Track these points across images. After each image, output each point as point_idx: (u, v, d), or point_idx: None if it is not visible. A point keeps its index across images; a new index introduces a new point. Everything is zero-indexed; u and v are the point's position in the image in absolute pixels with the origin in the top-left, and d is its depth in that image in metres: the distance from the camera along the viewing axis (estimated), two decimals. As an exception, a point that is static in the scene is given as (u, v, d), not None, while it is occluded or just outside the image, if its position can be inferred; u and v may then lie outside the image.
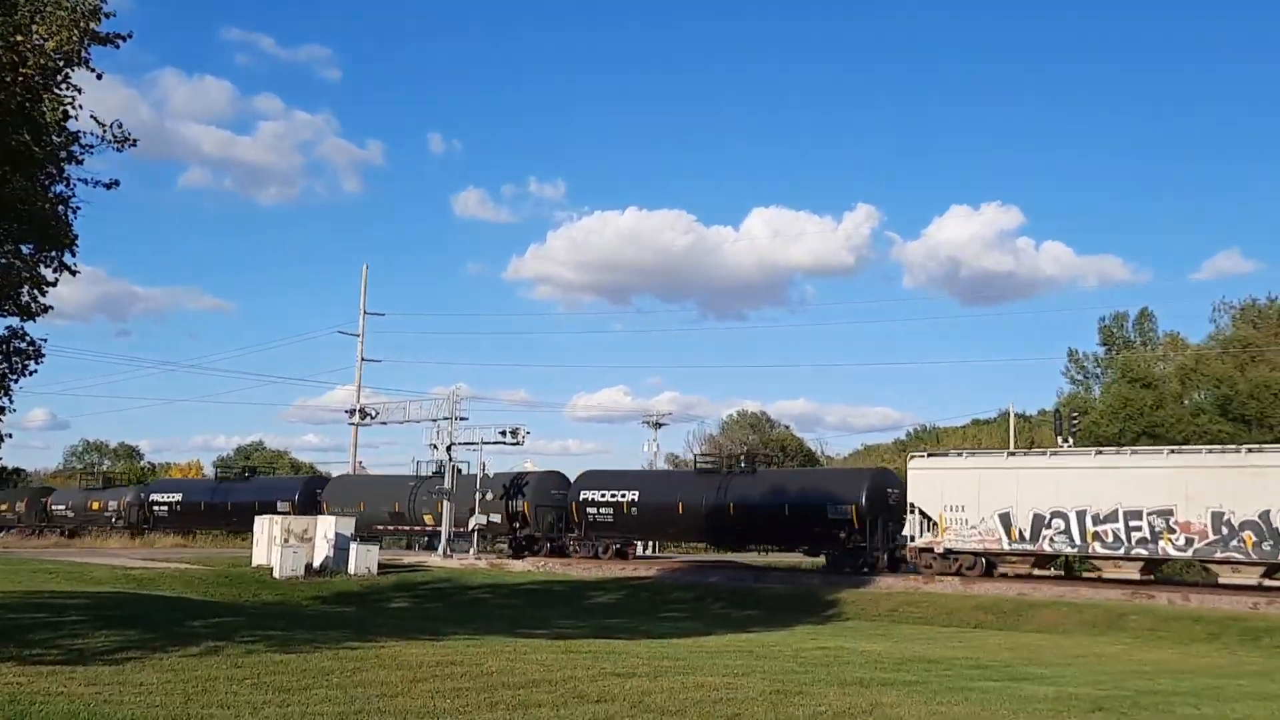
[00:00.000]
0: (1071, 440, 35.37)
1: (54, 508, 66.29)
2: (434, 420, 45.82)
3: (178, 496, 59.69)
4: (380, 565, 38.21)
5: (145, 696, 10.76)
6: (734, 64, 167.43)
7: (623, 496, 41.86)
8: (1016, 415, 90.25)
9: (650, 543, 52.02)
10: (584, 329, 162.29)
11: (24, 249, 13.43)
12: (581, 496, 43.13)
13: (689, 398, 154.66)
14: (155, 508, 59.12)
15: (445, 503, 44.05)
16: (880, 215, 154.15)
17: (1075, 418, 36.94)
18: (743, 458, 41.86)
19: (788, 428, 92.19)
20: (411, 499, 48.23)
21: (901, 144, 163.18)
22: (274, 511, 49.05)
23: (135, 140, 13.48)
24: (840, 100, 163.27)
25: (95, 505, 63.11)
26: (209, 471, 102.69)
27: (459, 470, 45.48)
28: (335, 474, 64.50)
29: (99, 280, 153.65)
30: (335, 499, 50.68)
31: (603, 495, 42.53)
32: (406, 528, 49.43)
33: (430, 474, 48.17)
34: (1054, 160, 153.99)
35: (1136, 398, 48.35)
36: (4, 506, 69.27)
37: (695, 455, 58.64)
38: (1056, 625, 27.35)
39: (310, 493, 53.50)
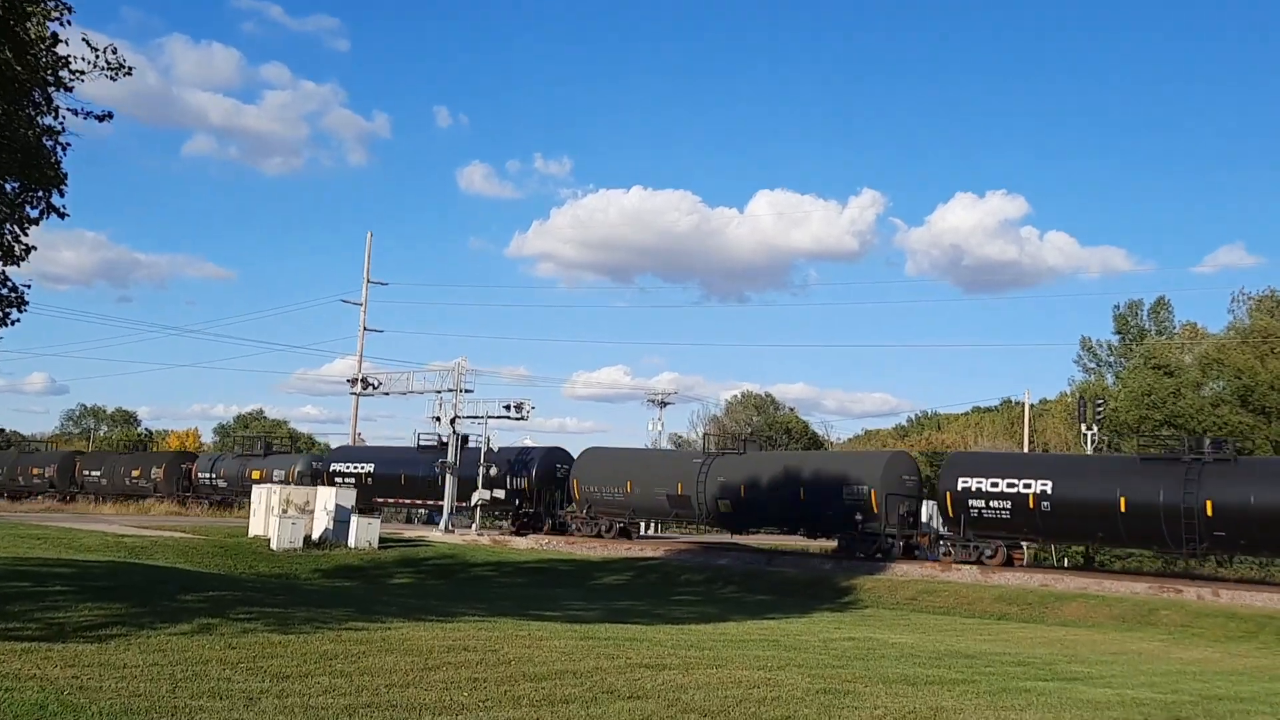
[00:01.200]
0: (1096, 428, 34.22)
1: (200, 476, 59.82)
2: (438, 392, 44.74)
3: (368, 467, 50.60)
4: (381, 539, 37.12)
5: (128, 682, 9.59)
6: (744, 46, 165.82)
7: (1026, 487, 33.32)
8: (1017, 404, 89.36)
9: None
10: (585, 307, 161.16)
11: (7, 185, 12.24)
12: (960, 485, 34.30)
13: (688, 378, 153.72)
14: (337, 479, 49.37)
15: (449, 476, 42.95)
16: (885, 201, 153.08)
17: (1100, 404, 35.71)
18: (1209, 440, 32.87)
19: (792, 410, 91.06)
20: (701, 479, 38.66)
21: (908, 130, 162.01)
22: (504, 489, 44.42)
23: (130, 69, 12.26)
24: (849, 86, 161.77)
25: (256, 474, 55.37)
26: (207, 440, 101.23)
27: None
28: (336, 444, 60.64)
29: (100, 245, 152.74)
30: (590, 477, 42.53)
31: (993, 485, 34.14)
32: (687, 513, 40.24)
33: (719, 451, 40.79)
34: (1061, 150, 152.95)
35: (1160, 386, 47.23)
36: (136, 472, 62.22)
37: (704, 433, 57.63)
38: (1084, 619, 26.29)
39: (549, 468, 44.77)
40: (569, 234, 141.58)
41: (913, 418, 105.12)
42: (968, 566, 32.96)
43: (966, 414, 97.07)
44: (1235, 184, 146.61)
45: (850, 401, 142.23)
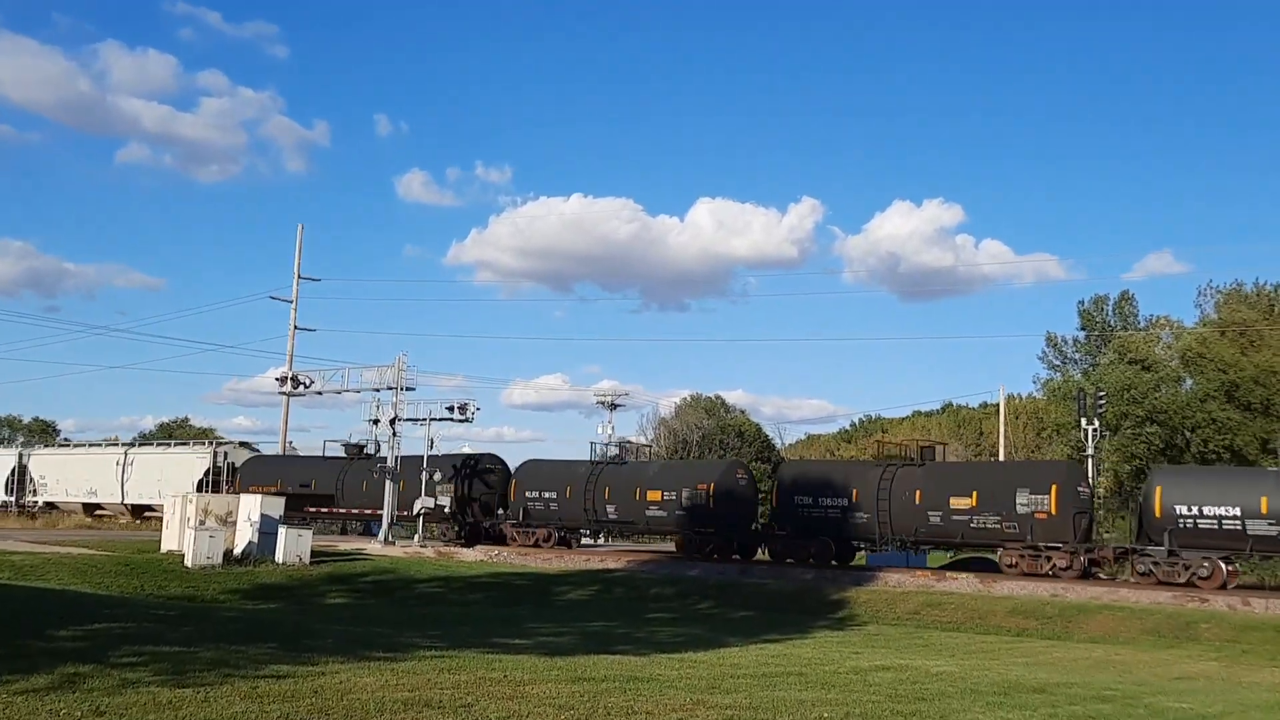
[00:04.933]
0: (1097, 423, 31.51)
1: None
2: (375, 390, 40.98)
3: None
4: (312, 553, 33.23)
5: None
6: (684, 55, 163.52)
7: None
8: (960, 407, 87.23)
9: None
10: (523, 315, 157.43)
11: None
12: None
13: (627, 386, 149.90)
14: None
15: (388, 484, 39.17)
16: (824, 209, 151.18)
17: (1101, 398, 32.98)
18: None
19: (743, 412, 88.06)
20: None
21: (848, 139, 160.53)
22: None
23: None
24: (788, 94, 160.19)
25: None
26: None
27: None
28: (268, 453, 54.02)
29: (27, 254, 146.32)
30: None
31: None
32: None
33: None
34: (996, 160, 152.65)
35: (1139, 381, 44.81)
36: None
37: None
38: (1115, 634, 23.34)
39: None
40: (508, 241, 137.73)
41: (855, 422, 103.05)
42: (965, 575, 30.09)
43: (909, 418, 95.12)
44: (1162, 193, 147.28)
45: (788, 408, 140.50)
